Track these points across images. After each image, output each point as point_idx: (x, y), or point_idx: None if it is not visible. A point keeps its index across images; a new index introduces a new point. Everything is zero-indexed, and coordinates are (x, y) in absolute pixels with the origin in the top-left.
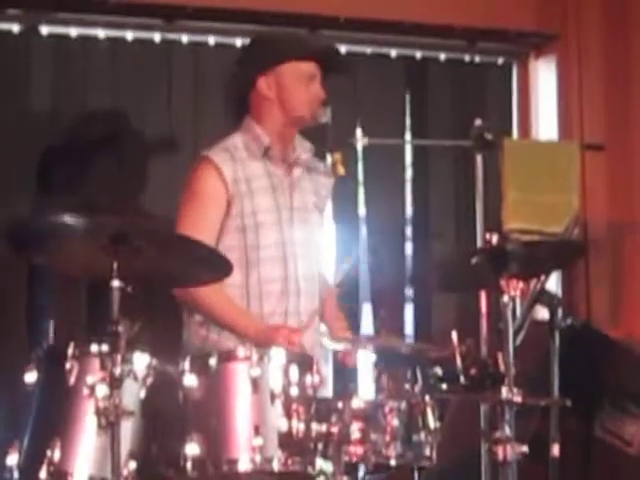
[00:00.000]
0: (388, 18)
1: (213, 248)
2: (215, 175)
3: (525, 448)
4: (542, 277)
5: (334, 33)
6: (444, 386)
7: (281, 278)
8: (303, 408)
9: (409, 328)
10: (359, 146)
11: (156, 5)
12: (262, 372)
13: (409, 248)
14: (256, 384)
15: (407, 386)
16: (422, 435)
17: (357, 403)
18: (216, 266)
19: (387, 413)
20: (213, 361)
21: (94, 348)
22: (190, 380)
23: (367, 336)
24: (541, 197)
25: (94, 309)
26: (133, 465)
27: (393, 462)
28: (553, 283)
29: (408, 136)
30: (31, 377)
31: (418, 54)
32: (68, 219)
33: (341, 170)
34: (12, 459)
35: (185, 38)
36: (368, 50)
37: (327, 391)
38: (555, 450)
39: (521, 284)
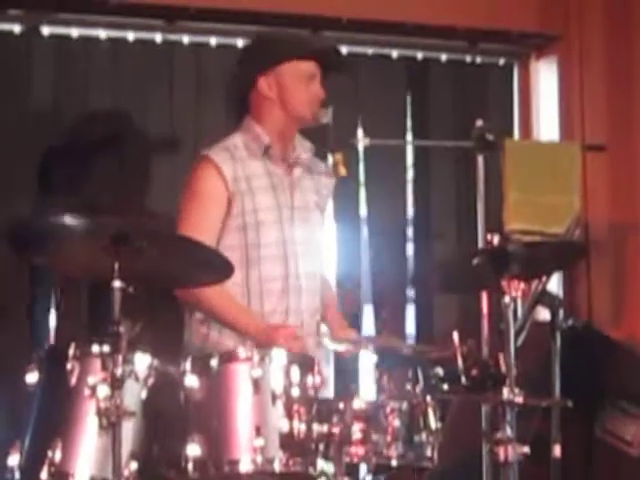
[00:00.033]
0: (390, 19)
1: (215, 249)
2: (215, 174)
3: (526, 449)
4: (543, 278)
5: (336, 34)
6: (445, 387)
7: (282, 276)
8: (304, 409)
9: (410, 329)
10: (360, 147)
11: (157, 6)
12: (263, 373)
13: (410, 249)
14: (257, 385)
15: (408, 387)
16: (423, 436)
17: (358, 404)
18: (217, 267)
19: (388, 414)
20: (214, 362)
21: (95, 349)
22: (191, 381)
23: (368, 337)
24: (542, 198)
25: (95, 310)
26: (134, 466)
27: (394, 463)
28: (554, 284)
29: (409, 137)
30: (32, 377)
31: (419, 55)
32: (69, 220)
33: (342, 171)
34: (13, 459)
35: (186, 39)
36: (370, 51)
37: (328, 392)
38: (556, 451)
39: (522, 285)
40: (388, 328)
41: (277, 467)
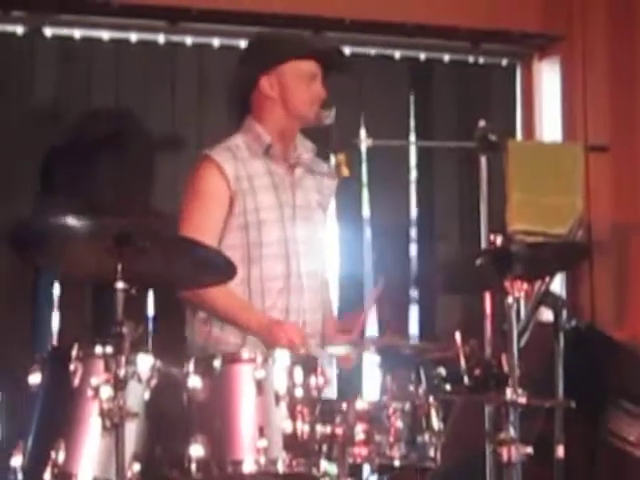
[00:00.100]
0: (392, 20)
1: (218, 250)
2: (217, 173)
3: (530, 449)
4: (546, 278)
5: (339, 35)
6: (448, 387)
7: (283, 275)
8: (307, 410)
9: (414, 329)
10: (363, 147)
11: (160, 7)
12: (266, 374)
13: (413, 249)
14: (260, 386)
15: (411, 387)
16: (426, 436)
17: (361, 404)
18: (220, 268)
19: (391, 414)
20: (217, 363)
21: (98, 350)
22: (194, 382)
23: (371, 337)
24: (545, 198)
25: (98, 310)
26: (137, 466)
27: (397, 463)
28: (557, 285)
29: (412, 137)
30: (35, 378)
31: (422, 55)
32: (71, 220)
33: (345, 171)
34: (16, 460)
35: (189, 40)
36: (372, 51)
37: (331, 392)
38: (560, 452)
39: (525, 285)
40: (391, 328)
41: (280, 468)
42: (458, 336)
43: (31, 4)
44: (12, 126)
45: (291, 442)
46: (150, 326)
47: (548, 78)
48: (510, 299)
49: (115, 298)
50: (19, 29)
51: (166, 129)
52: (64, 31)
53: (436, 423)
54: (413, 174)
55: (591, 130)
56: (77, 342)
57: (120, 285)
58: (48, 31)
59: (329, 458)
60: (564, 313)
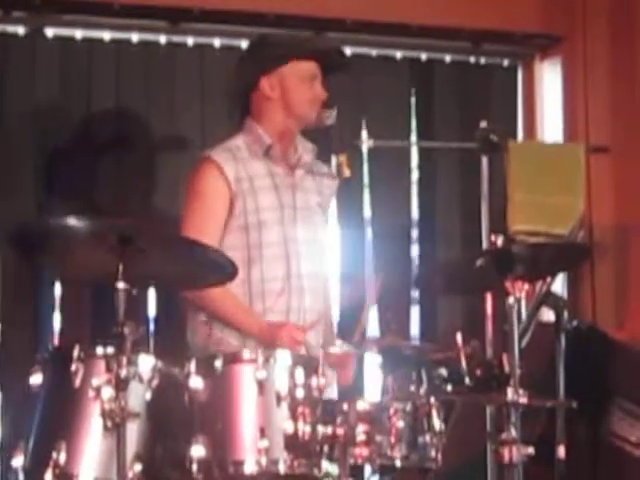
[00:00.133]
0: (393, 20)
1: (219, 250)
2: (217, 174)
3: (531, 450)
4: (548, 279)
5: (340, 35)
6: (449, 388)
7: (283, 276)
8: (309, 410)
9: (415, 330)
10: (364, 148)
11: (161, 7)
12: (268, 374)
13: (415, 250)
14: (262, 386)
15: (412, 388)
16: (427, 437)
17: (362, 405)
18: (221, 268)
19: (392, 415)
20: (219, 363)
21: (99, 350)
22: (196, 382)
23: (372, 338)
24: (546, 199)
25: (99, 311)
26: (138, 467)
27: (398, 464)
28: (559, 285)
29: (413, 138)
30: (36, 379)
31: (423, 56)
32: (73, 221)
33: (346, 172)
34: (17, 461)
35: (190, 40)
36: (374, 52)
37: (332, 393)
38: (561, 452)
39: (527, 286)
40: (392, 329)
41: (281, 468)
42: (459, 337)
43: (32, 4)
44: (14, 126)
45: (292, 443)
46: (151, 326)
47: (549, 79)
48: (511, 299)
49: (116, 298)
50: (20, 29)
51: (167, 129)
52: (65, 31)
53: (437, 424)
54: (414, 175)
55: (592, 131)
56: (78, 342)
57: (121, 285)
58: (49, 31)
59: (330, 459)
60: (565, 313)
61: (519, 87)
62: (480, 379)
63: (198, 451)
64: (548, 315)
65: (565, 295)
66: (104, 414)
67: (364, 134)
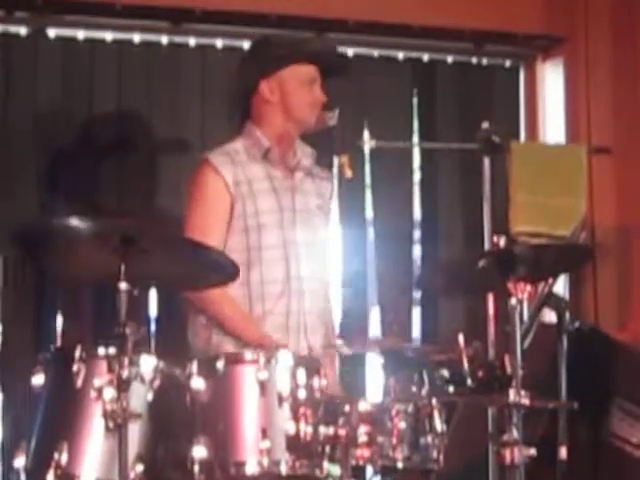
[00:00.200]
0: (395, 21)
1: (220, 251)
2: (216, 177)
3: (533, 451)
4: (550, 280)
5: (342, 36)
6: (451, 389)
7: (283, 279)
8: (310, 411)
9: (417, 331)
10: (366, 149)
11: (163, 8)
12: (269, 375)
13: (417, 251)
14: (263, 387)
15: (414, 389)
16: (429, 438)
17: (364, 406)
18: (223, 269)
19: (394, 416)
20: (220, 364)
21: (101, 351)
22: (197, 383)
23: (375, 339)
24: (549, 200)
25: (101, 312)
26: (140, 468)
27: (400, 465)
28: (561, 286)
29: (415, 139)
30: (38, 379)
31: (425, 57)
32: (75, 221)
33: (348, 173)
34: (19, 462)
35: (192, 41)
36: (375, 53)
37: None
38: (563, 453)
39: (529, 287)
40: (394, 330)
41: (283, 469)
42: (461, 338)
43: (34, 5)
44: (16, 127)
45: (294, 443)
46: (153, 327)
47: (551, 80)
48: (513, 301)
49: (118, 299)
50: (22, 30)
51: (169, 130)
52: (67, 32)
53: (439, 425)
54: (416, 176)
55: (594, 131)
56: (80, 343)
57: (123, 286)
58: (51, 32)
59: (332, 459)
60: (567, 315)
61: (521, 88)
62: (482, 380)
63: (200, 452)
64: (550, 316)
65: (567, 296)
66: (106, 415)
67: (366, 135)
